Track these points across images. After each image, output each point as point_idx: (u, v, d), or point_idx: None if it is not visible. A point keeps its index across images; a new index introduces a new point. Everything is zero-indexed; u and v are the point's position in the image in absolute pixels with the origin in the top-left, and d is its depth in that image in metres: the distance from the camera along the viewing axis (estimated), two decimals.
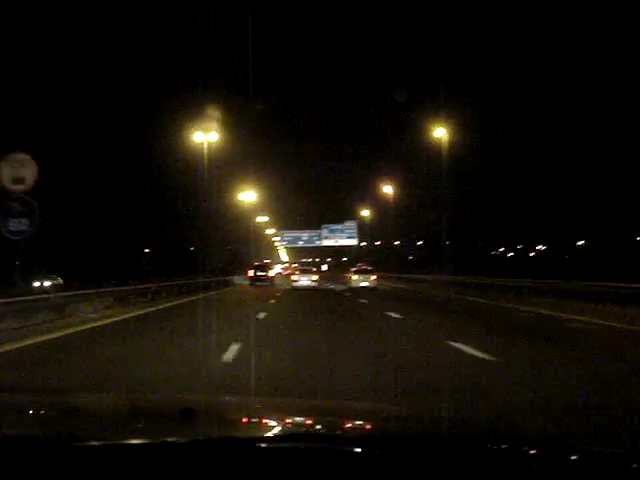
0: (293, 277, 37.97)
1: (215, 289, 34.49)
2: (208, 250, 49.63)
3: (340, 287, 36.86)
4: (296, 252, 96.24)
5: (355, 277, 35.91)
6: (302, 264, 56.52)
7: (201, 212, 46.41)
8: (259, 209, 67.35)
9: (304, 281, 36.07)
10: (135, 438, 1.66)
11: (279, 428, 1.97)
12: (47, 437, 1.69)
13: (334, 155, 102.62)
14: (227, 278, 45.60)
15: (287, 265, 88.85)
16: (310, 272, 39.05)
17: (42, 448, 1.53)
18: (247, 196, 58.20)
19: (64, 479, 1.45)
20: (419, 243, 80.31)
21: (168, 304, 21.62)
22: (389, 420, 2.23)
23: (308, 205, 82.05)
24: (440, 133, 35.96)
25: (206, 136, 38.57)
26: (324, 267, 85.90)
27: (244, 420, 2.19)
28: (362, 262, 45.61)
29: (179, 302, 23.19)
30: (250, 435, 1.81)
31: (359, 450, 1.54)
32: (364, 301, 22.83)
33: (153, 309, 19.23)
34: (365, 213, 69.86)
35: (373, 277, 35.70)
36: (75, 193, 45.03)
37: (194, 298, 25.53)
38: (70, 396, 3.28)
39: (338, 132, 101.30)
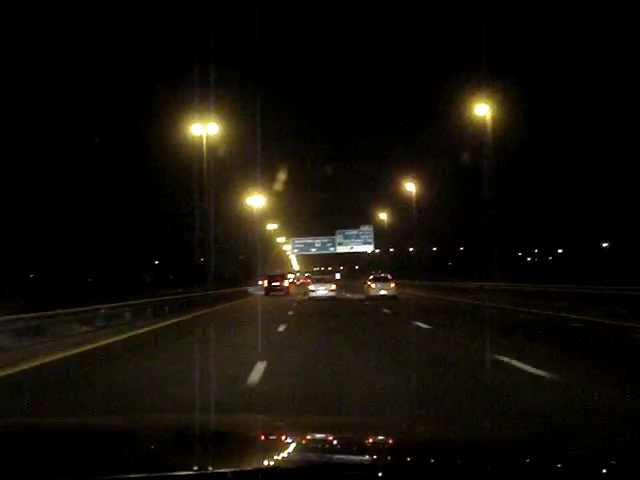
0: (310, 287, 34.82)
1: (223, 301, 29.73)
2: (217, 260, 42.50)
3: (360, 296, 32.21)
4: (308, 260, 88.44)
5: (373, 285, 31.63)
6: (313, 273, 50.90)
7: (209, 221, 39.14)
8: (268, 216, 59.36)
9: (321, 291, 32.72)
10: (181, 469, 1.54)
11: (314, 455, 1.89)
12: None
13: (348, 155, 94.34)
14: (238, 289, 41.83)
15: (298, 274, 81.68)
16: (327, 281, 35.91)
17: None
18: (255, 201, 49.68)
19: None
20: (434, 249, 72.49)
21: (122, 336, 12.91)
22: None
23: (321, 210, 73.98)
24: (484, 111, 27.87)
25: (205, 129, 31.12)
26: (337, 275, 77.38)
27: (278, 443, 2.05)
28: (378, 269, 41.89)
29: (147, 329, 14.94)
30: (289, 465, 1.74)
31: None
32: (424, 325, 13.87)
33: (78, 351, 10.32)
34: (383, 216, 61.16)
35: (392, 285, 31.70)
36: (72, 199, 38.38)
37: (176, 321, 17.45)
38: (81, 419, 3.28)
39: (353, 130, 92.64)
